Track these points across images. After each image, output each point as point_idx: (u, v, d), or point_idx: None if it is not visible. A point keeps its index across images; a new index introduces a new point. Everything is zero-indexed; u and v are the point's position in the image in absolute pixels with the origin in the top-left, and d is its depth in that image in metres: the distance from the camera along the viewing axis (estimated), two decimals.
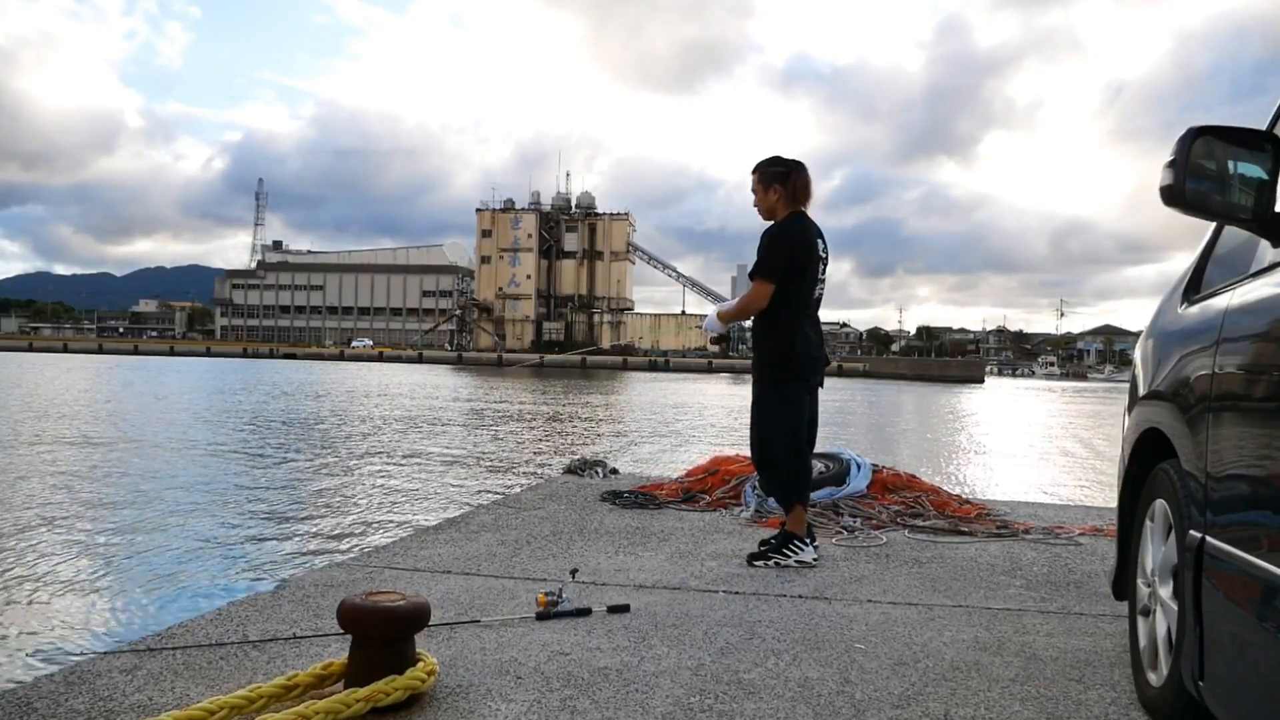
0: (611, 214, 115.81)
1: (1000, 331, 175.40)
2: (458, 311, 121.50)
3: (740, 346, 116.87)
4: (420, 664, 2.47)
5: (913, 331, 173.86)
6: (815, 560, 4.15)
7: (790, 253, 4.13)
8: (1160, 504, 2.40)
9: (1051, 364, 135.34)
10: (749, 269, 4.27)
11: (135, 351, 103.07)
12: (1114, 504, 2.96)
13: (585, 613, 3.29)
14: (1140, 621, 2.55)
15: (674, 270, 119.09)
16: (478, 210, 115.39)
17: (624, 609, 3.36)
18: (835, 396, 43.48)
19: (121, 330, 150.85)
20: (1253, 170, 1.96)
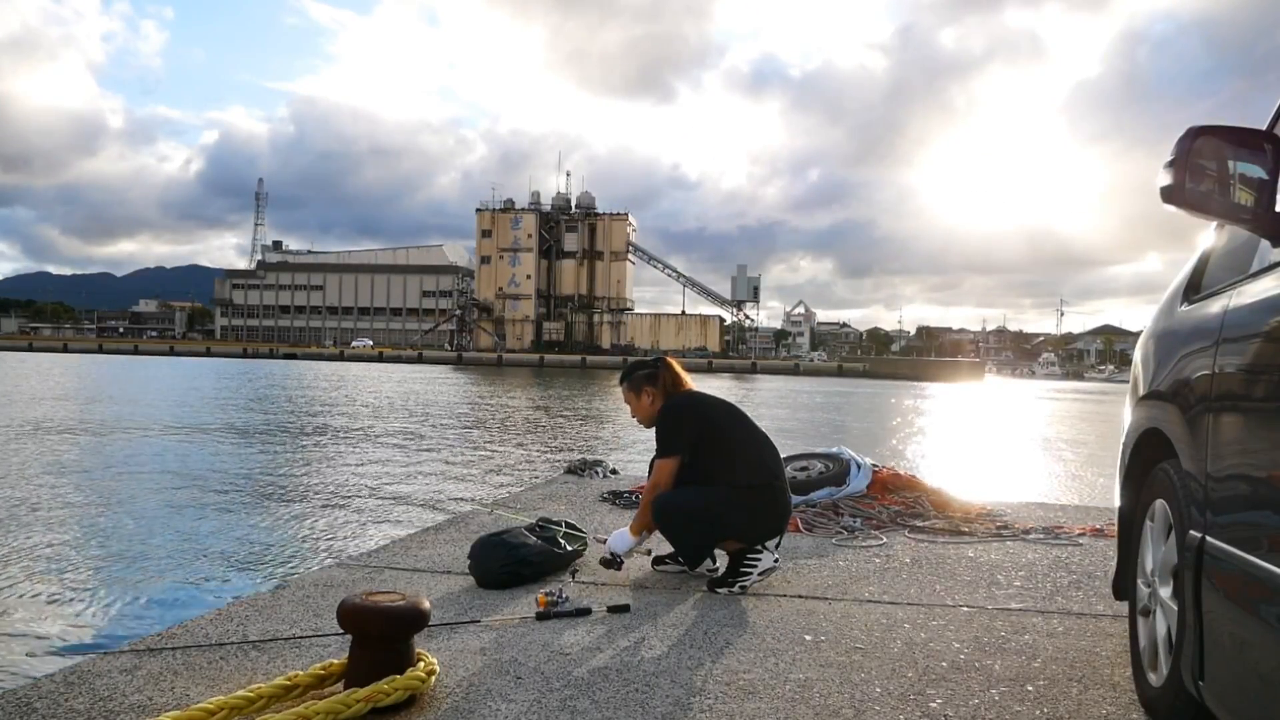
0: (611, 214, 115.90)
1: (1000, 331, 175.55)
2: (458, 311, 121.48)
3: (740, 347, 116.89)
4: (420, 664, 2.47)
5: (913, 332, 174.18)
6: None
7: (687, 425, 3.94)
8: (1160, 504, 2.40)
9: (1052, 364, 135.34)
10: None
11: (135, 351, 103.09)
12: (1114, 504, 2.96)
13: (585, 613, 3.29)
14: (1140, 621, 2.55)
15: (674, 270, 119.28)
16: (478, 210, 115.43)
17: (624, 609, 3.36)
18: (835, 396, 43.46)
19: (121, 330, 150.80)
20: (1253, 170, 1.96)
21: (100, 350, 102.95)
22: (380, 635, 2.42)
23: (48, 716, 2.27)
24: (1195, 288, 2.53)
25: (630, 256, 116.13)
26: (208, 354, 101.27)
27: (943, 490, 5.99)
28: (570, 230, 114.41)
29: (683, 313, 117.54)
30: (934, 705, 2.50)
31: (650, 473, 4.00)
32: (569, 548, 4.02)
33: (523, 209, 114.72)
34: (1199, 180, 1.97)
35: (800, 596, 3.68)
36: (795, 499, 5.49)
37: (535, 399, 36.40)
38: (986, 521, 5.39)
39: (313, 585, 3.67)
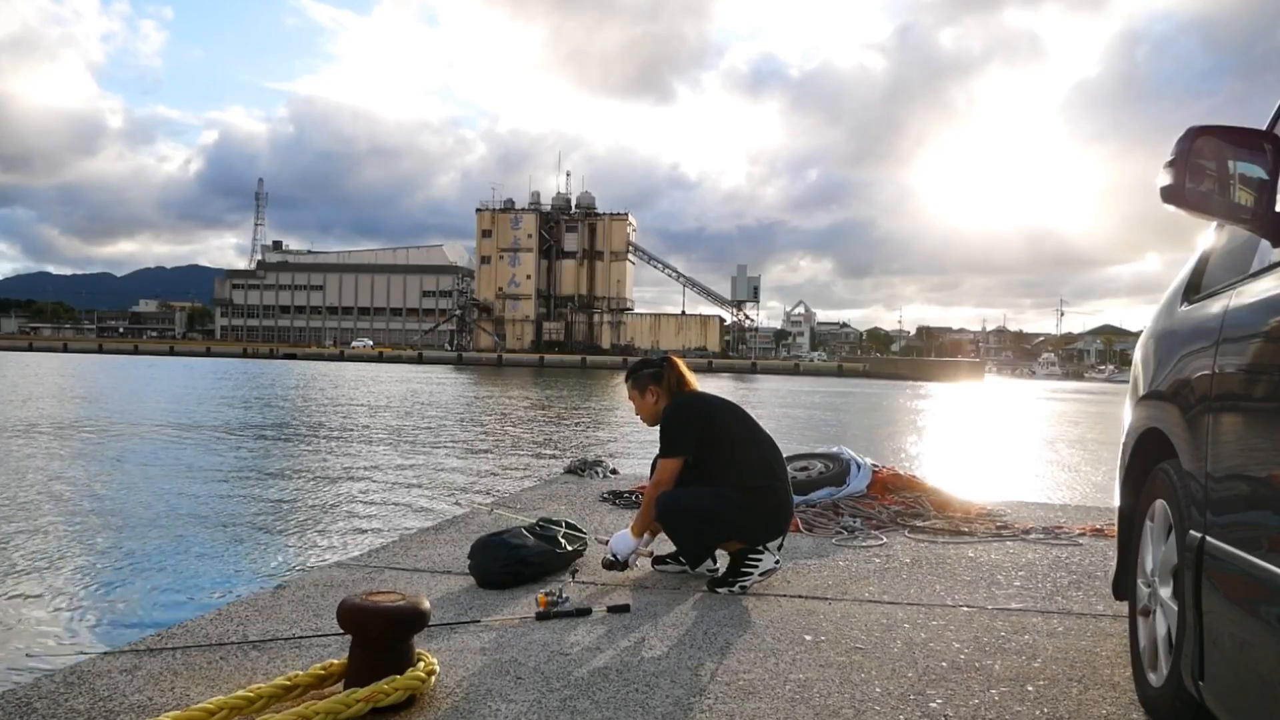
0: (611, 214, 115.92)
1: (1000, 332, 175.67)
2: (458, 311, 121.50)
3: (740, 347, 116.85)
4: (420, 664, 2.47)
5: (913, 332, 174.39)
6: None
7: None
8: (1160, 504, 2.40)
9: (1052, 364, 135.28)
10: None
11: (135, 351, 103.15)
12: (1114, 504, 2.96)
13: (585, 613, 3.29)
14: (1140, 621, 2.55)
15: (674, 270, 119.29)
16: (477, 210, 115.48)
17: (624, 609, 3.36)
18: (835, 396, 43.46)
19: (121, 330, 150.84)
20: (1253, 170, 1.96)
21: (100, 350, 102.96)
22: (380, 635, 2.42)
23: (48, 716, 2.27)
24: (1195, 288, 2.52)
25: (630, 256, 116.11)
26: (208, 354, 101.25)
27: (943, 490, 5.99)
28: (570, 230, 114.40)
29: (683, 313, 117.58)
30: (934, 705, 2.50)
31: (652, 472, 4.00)
32: (569, 548, 4.02)
33: (523, 209, 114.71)
34: (1199, 180, 1.97)
35: (800, 596, 3.68)
36: (795, 499, 5.49)
37: (535, 399, 36.40)
38: (986, 521, 5.39)
39: (313, 585, 3.67)
